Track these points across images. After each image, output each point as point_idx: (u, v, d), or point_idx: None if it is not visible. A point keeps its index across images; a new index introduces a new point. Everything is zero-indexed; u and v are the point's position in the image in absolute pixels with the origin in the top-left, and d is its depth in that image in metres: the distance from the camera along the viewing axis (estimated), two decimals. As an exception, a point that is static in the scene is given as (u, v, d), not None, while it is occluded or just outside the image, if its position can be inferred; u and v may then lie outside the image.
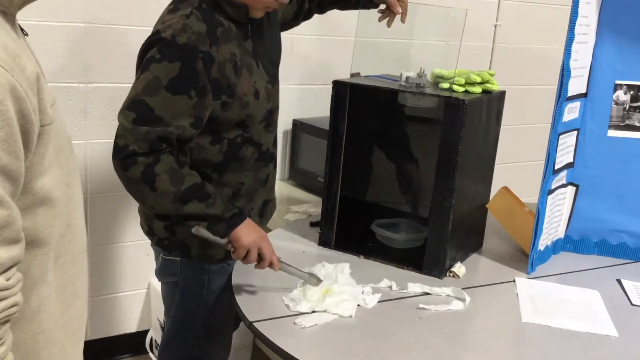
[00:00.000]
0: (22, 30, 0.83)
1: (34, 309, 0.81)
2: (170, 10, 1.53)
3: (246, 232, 1.50)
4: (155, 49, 1.45)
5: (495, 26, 3.06)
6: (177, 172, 1.47)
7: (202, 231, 1.48)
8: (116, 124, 1.48)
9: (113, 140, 1.47)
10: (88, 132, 2.30)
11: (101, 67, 2.26)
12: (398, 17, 1.83)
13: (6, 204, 0.69)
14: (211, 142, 1.57)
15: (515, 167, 3.24)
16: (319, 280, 1.57)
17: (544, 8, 3.15)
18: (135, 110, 1.44)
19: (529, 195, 2.65)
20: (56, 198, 0.79)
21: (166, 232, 1.64)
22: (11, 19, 0.78)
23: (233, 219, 1.51)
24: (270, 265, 1.53)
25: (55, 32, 2.18)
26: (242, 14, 1.55)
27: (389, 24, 1.85)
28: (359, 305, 1.51)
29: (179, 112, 1.45)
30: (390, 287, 1.61)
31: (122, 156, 1.44)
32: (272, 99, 1.68)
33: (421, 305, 1.52)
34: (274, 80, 1.69)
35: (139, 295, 2.56)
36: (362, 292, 1.55)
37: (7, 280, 0.71)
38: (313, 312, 1.46)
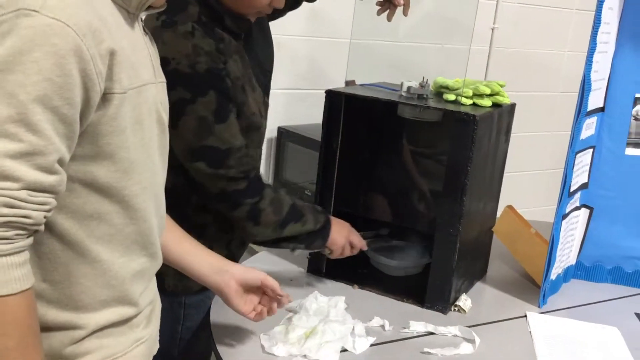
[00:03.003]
0: (145, 30, 1.01)
1: (81, 238, 0.91)
2: (166, 23, 1.31)
3: (337, 235, 1.53)
4: (180, 89, 1.28)
5: (492, 29, 2.89)
6: (277, 200, 1.44)
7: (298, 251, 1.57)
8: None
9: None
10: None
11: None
12: (399, 10, 1.63)
13: (45, 135, 0.79)
14: None
15: (511, 177, 3.08)
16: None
17: (543, 10, 2.99)
18: (204, 159, 1.35)
19: (527, 206, 2.49)
20: (122, 159, 0.90)
21: None
22: (132, 17, 0.94)
23: (324, 230, 1.51)
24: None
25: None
26: (245, 26, 1.40)
27: (389, 18, 1.64)
28: (347, 350, 1.32)
29: (235, 134, 1.37)
30: (382, 326, 1.43)
31: (229, 202, 1.40)
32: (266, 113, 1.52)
33: (426, 349, 1.34)
34: (267, 92, 1.52)
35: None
36: (353, 331, 1.37)
37: (30, 196, 0.79)
38: (290, 355, 1.27)
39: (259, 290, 1.27)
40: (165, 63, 1.25)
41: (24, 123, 0.78)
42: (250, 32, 1.44)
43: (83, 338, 0.94)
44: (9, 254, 0.79)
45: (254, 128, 1.43)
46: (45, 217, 0.82)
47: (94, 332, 0.94)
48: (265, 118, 1.51)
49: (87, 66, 0.81)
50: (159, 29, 1.31)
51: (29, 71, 0.77)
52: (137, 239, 0.98)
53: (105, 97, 0.86)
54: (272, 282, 1.25)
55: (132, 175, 0.93)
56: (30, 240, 0.82)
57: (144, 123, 0.94)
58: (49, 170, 0.81)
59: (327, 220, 1.51)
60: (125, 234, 0.95)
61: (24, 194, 0.79)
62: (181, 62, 1.28)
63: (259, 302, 1.27)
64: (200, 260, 1.23)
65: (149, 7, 0.98)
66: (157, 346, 1.11)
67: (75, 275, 0.91)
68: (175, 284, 1.45)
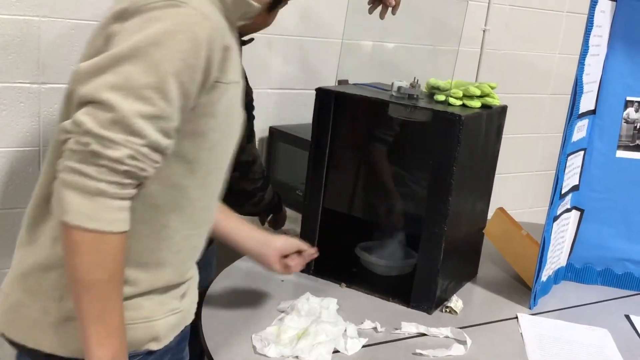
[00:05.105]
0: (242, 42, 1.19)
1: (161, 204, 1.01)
2: None
3: None
4: None
5: (483, 31, 2.89)
6: None
7: None
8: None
9: None
10: (41, 138, 2.07)
11: (57, 66, 2.03)
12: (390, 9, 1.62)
13: (172, 104, 0.92)
14: None
15: (502, 178, 3.08)
16: None
17: (534, 13, 2.99)
18: None
19: (517, 208, 2.49)
20: (210, 138, 1.02)
21: None
22: (233, 26, 1.05)
23: None
24: None
25: (5, 26, 1.95)
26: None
27: (381, 16, 1.64)
28: (338, 351, 1.31)
29: None
30: (375, 328, 1.42)
31: None
32: None
33: (418, 351, 1.33)
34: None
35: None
36: (345, 333, 1.36)
37: (149, 153, 0.91)
38: (282, 356, 1.27)
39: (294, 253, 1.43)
40: None
41: (159, 90, 0.90)
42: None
43: (132, 296, 1.01)
44: (121, 198, 0.90)
45: None
46: (152, 173, 0.93)
47: (142, 293, 1.02)
48: None
49: (212, 55, 0.94)
50: None
51: (173, 48, 0.90)
52: (202, 215, 1.08)
53: (214, 84, 0.98)
54: (306, 246, 1.44)
55: (214, 154, 1.05)
56: (135, 190, 0.92)
57: (232, 114, 1.07)
58: (167, 135, 0.93)
59: None
60: (195, 208, 1.06)
61: (146, 150, 0.90)
62: None
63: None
64: (246, 235, 1.37)
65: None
66: (192, 318, 1.17)
67: (141, 234, 1.00)
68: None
